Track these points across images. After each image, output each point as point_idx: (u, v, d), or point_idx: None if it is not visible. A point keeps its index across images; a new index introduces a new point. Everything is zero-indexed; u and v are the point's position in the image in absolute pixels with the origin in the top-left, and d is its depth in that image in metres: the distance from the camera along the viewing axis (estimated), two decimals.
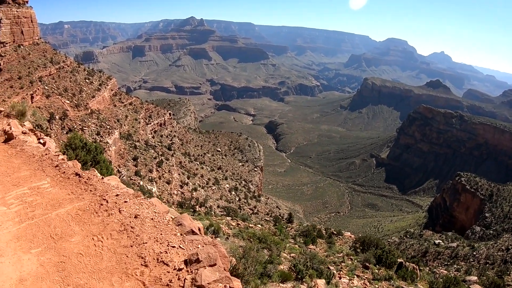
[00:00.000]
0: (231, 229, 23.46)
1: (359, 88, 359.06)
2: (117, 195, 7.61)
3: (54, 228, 6.52)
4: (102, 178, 8.80)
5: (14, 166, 8.74)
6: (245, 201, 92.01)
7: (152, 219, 6.89)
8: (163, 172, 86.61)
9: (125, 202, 7.34)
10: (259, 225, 32.79)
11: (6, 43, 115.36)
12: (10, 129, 10.89)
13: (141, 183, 71.07)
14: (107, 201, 7.27)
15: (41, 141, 11.03)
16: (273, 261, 13.88)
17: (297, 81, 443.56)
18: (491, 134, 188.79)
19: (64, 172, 8.53)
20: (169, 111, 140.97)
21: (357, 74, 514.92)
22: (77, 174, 8.44)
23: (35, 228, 6.52)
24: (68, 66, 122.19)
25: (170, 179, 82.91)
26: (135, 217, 6.80)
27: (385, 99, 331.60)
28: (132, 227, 6.51)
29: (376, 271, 21.12)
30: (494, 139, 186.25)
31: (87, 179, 8.24)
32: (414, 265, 25.64)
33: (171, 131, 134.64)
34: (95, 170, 9.35)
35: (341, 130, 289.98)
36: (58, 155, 9.50)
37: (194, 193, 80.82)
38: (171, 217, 7.38)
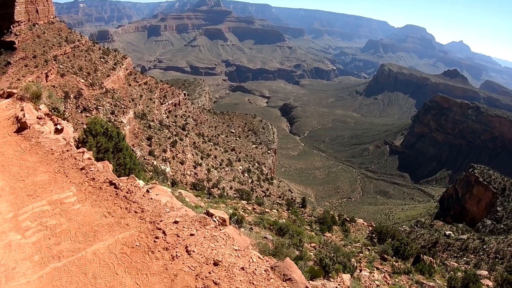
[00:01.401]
0: (247, 214, 22.89)
1: (375, 74, 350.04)
2: (175, 221, 5.38)
3: (94, 279, 4.27)
4: (148, 191, 6.33)
5: (29, 166, 6.78)
6: (258, 183, 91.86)
7: (242, 268, 4.58)
8: (177, 152, 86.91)
9: (192, 235, 5.08)
10: (275, 210, 32.23)
11: (21, 22, 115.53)
12: (24, 116, 8.97)
13: (155, 163, 71.40)
14: (164, 233, 5.06)
15: (58, 127, 9.37)
16: (303, 257, 13.15)
17: (313, 64, 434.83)
18: (507, 127, 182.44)
19: (94, 178, 6.42)
20: (184, 91, 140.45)
21: (374, 59, 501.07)
22: (111, 183, 6.26)
23: (65, 279, 4.29)
24: (83, 45, 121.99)
25: (184, 159, 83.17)
26: (215, 264, 4.55)
27: (401, 86, 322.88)
28: (216, 284, 4.24)
29: (395, 263, 20.30)
30: (510, 132, 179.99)
31: (127, 193, 6.00)
32: (431, 258, 24.75)
33: (185, 111, 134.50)
34: (135, 178, 6.93)
35: (356, 116, 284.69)
36: (83, 153, 7.37)
37: (208, 174, 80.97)
38: (268, 267, 4.84)
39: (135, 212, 5.56)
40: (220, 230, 5.50)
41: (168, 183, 42.05)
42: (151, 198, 6.04)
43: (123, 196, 5.93)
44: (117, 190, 6.11)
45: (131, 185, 6.39)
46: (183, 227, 5.28)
